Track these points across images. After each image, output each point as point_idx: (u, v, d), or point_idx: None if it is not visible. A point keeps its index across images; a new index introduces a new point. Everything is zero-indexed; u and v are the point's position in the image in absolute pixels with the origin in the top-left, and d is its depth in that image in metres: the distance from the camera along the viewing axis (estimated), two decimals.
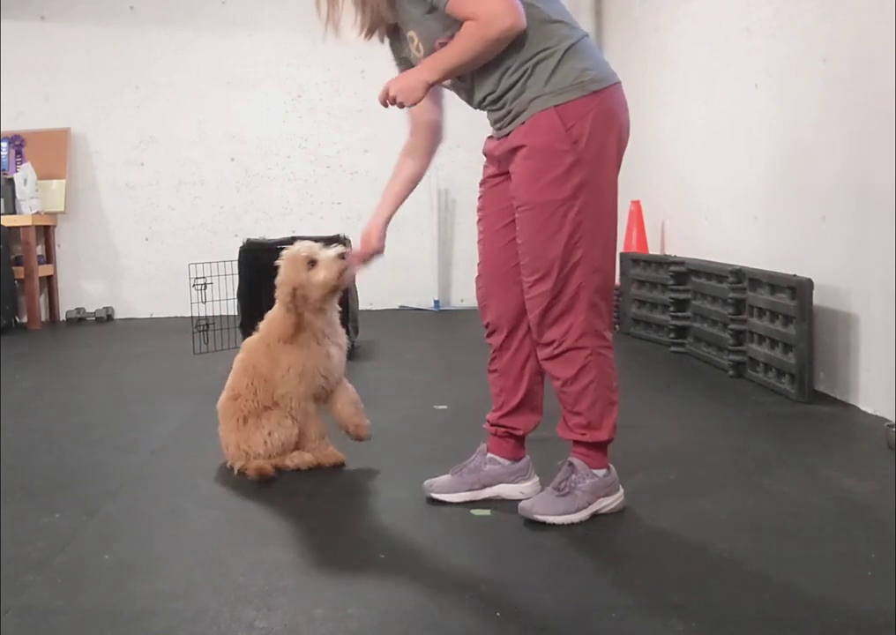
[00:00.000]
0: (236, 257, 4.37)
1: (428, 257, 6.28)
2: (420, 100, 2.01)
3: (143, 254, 6.38)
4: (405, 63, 2.18)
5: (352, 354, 4.35)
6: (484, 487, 2.23)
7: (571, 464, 2.11)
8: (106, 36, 6.25)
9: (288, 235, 4.81)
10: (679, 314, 4.20)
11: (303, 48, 6.31)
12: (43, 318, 6.20)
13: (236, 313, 4.39)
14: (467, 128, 6.91)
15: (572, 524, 2.05)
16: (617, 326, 4.92)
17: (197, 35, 6.28)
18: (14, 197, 5.96)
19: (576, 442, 2.13)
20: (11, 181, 5.95)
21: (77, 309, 6.32)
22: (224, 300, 4.42)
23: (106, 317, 6.30)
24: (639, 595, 1.68)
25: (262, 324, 2.67)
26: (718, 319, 3.82)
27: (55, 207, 6.19)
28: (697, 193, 4.51)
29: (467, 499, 2.21)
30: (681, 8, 4.67)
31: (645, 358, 4.17)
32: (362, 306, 4.67)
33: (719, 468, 2.45)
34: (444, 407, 3.27)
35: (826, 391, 3.22)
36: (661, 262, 4.48)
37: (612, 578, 1.77)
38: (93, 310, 6.32)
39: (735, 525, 2.03)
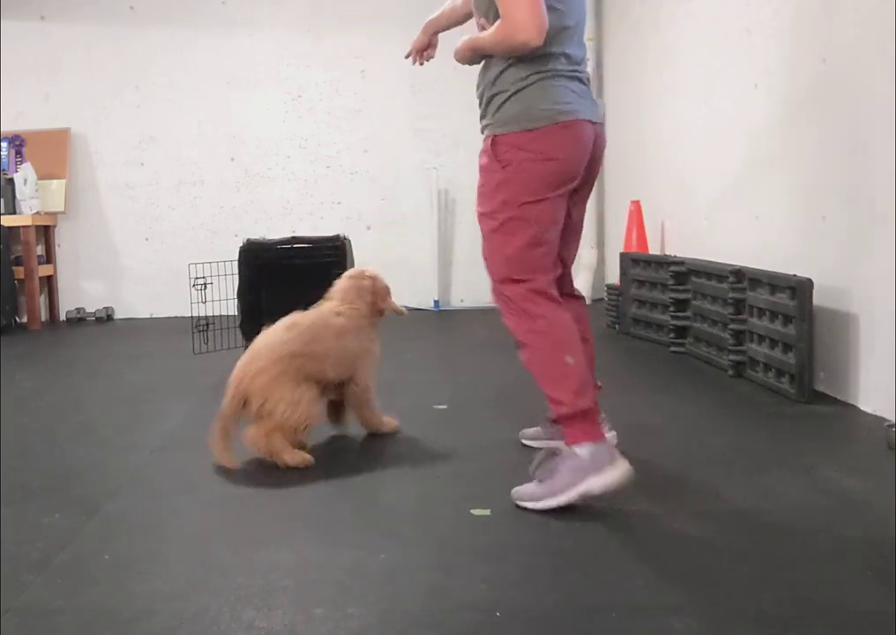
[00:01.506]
0: (236, 257, 4.37)
1: (428, 257, 6.28)
2: (466, 63, 2.44)
3: (143, 254, 6.39)
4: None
5: None
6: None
7: (555, 448, 2.17)
8: (106, 36, 6.26)
9: (288, 235, 4.82)
10: (679, 314, 4.20)
11: (303, 48, 6.32)
12: (43, 318, 6.21)
13: (236, 313, 4.39)
14: (468, 127, 6.93)
15: (559, 507, 2.10)
16: (617, 326, 4.92)
17: (197, 35, 6.29)
18: (14, 197, 5.97)
19: (552, 421, 2.18)
20: (11, 181, 5.96)
21: (77, 309, 6.32)
22: (224, 300, 4.43)
23: (106, 317, 6.30)
24: (639, 595, 1.68)
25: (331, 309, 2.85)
26: (718, 319, 3.82)
27: (55, 207, 6.19)
28: (697, 193, 4.51)
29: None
30: (681, 8, 4.67)
31: (645, 358, 4.17)
32: None
33: (719, 468, 2.45)
34: (444, 406, 3.27)
35: (826, 391, 3.22)
36: (661, 262, 4.48)
37: (612, 578, 1.77)
38: (93, 310, 6.33)
39: (735, 525, 2.03)
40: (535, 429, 2.65)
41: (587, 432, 2.14)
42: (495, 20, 2.23)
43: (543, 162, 2.26)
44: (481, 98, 2.41)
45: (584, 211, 2.51)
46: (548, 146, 2.25)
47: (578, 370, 2.20)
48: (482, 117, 2.41)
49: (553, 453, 2.13)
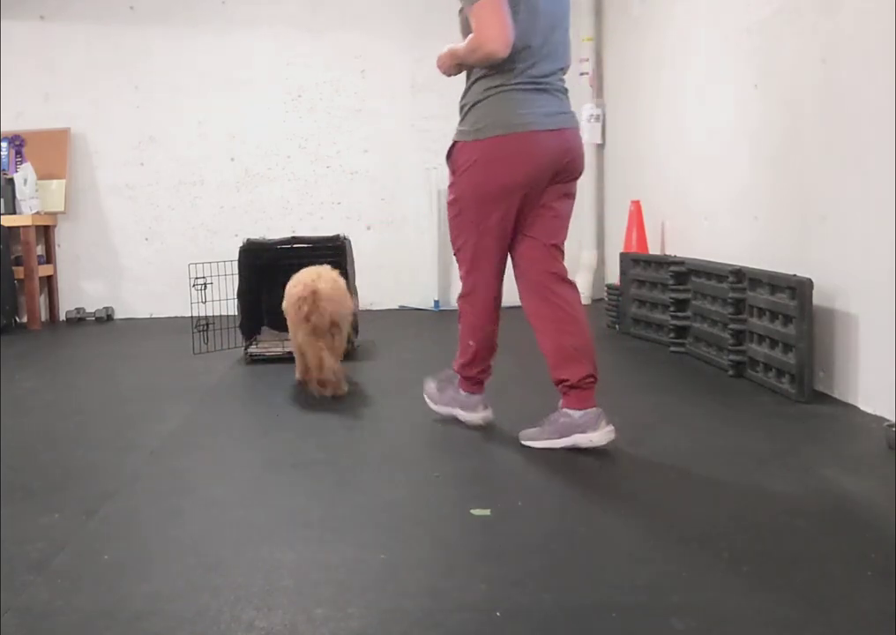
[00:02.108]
0: (236, 257, 4.37)
1: (428, 257, 6.28)
2: (446, 73, 2.76)
3: (143, 254, 6.39)
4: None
5: (352, 353, 4.36)
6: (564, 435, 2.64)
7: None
8: (106, 36, 6.26)
9: (288, 235, 4.82)
10: (679, 314, 4.20)
11: (303, 47, 6.32)
12: (43, 318, 6.21)
13: (236, 313, 4.39)
14: None
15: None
16: (617, 326, 4.92)
17: (197, 35, 6.29)
18: (14, 197, 5.97)
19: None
20: (11, 181, 5.96)
21: (77, 309, 6.32)
22: (224, 300, 4.42)
23: (106, 317, 6.30)
24: (639, 595, 1.68)
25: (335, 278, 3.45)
26: (718, 319, 3.82)
27: (55, 207, 6.19)
28: (696, 193, 4.51)
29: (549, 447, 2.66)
30: (680, 8, 4.67)
31: (645, 358, 4.17)
32: (362, 306, 4.67)
33: (719, 468, 2.45)
34: None
35: (826, 390, 3.22)
36: (661, 262, 4.48)
37: (612, 578, 1.77)
38: (93, 310, 6.33)
39: (734, 525, 2.03)
40: (535, 429, 2.69)
41: (469, 387, 2.92)
42: (462, 31, 2.60)
43: (487, 170, 2.59)
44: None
45: (570, 204, 2.77)
46: (493, 155, 2.57)
47: (475, 353, 2.84)
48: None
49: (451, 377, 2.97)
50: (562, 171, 2.65)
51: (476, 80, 2.61)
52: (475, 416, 2.93)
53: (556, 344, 2.64)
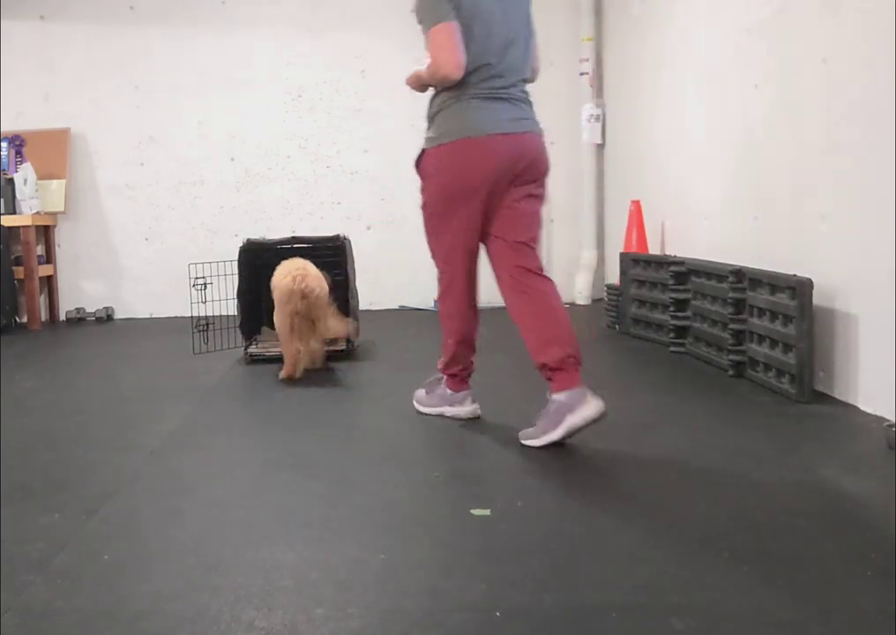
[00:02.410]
0: (236, 257, 4.37)
1: (428, 258, 6.25)
2: (415, 90, 3.00)
3: (143, 254, 6.39)
4: None
5: (351, 353, 4.36)
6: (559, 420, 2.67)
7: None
8: (106, 36, 6.26)
9: (288, 235, 4.82)
10: (679, 314, 4.20)
11: (303, 47, 6.32)
12: (43, 318, 6.21)
13: (236, 313, 4.39)
14: None
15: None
16: (617, 326, 4.93)
17: (197, 35, 6.29)
18: (14, 197, 5.97)
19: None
20: (11, 181, 5.96)
21: (77, 309, 6.32)
22: (224, 300, 4.42)
23: (106, 317, 6.31)
24: (639, 595, 1.68)
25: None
26: (718, 319, 3.82)
27: (55, 207, 6.20)
28: (696, 193, 4.51)
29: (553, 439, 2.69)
30: (680, 8, 4.67)
31: (645, 358, 4.17)
32: (362, 306, 4.67)
33: (719, 468, 2.45)
34: None
35: (826, 390, 3.22)
36: (661, 262, 4.48)
37: (612, 578, 1.76)
38: (93, 310, 6.33)
39: (734, 525, 2.03)
40: (532, 428, 2.71)
41: (454, 385, 3.04)
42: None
43: (450, 172, 2.80)
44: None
45: (536, 203, 2.89)
46: (454, 158, 2.79)
47: (455, 349, 2.99)
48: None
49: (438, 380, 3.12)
50: (522, 173, 2.79)
51: (439, 92, 2.85)
52: (463, 410, 3.04)
53: (533, 332, 2.74)
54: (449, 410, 3.06)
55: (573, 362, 2.68)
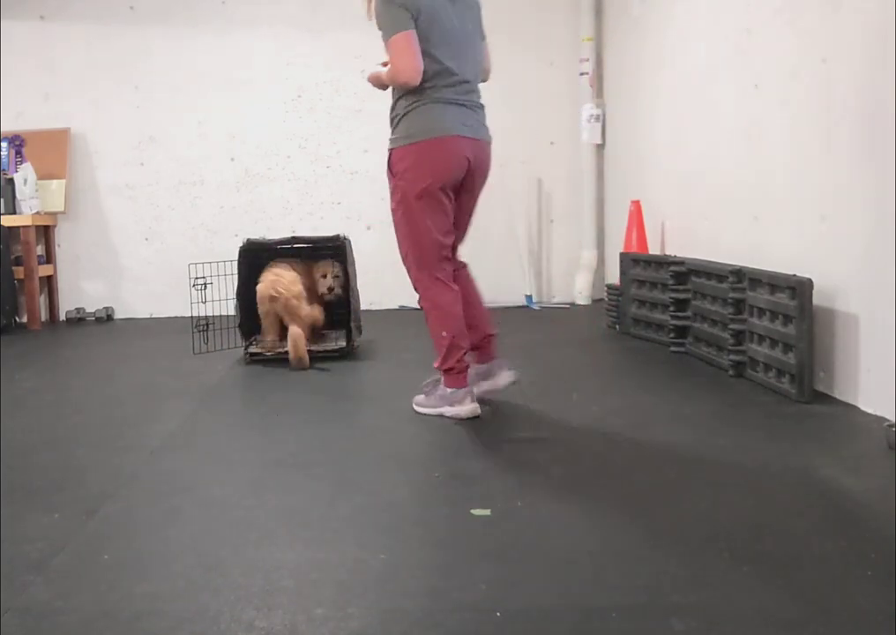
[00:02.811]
0: (236, 257, 4.37)
1: None
2: (378, 88, 3.18)
3: (143, 254, 6.39)
4: None
5: (351, 353, 4.36)
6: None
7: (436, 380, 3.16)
8: (106, 36, 6.25)
9: (288, 235, 4.82)
10: (679, 314, 4.20)
11: (303, 47, 6.32)
12: (43, 318, 6.20)
13: (236, 313, 4.39)
14: None
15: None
16: (617, 326, 4.92)
17: (197, 35, 6.28)
18: (14, 197, 5.96)
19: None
20: (11, 181, 5.95)
21: (77, 309, 6.32)
22: (224, 300, 4.42)
23: (106, 317, 6.30)
24: (639, 595, 1.68)
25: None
26: (718, 319, 3.82)
27: (55, 207, 6.19)
28: (696, 193, 4.51)
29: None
30: (680, 8, 4.67)
31: (645, 358, 4.17)
32: (362, 306, 4.67)
33: (719, 468, 2.45)
34: None
35: (826, 390, 3.22)
36: (661, 262, 4.48)
37: (612, 578, 1.77)
38: (93, 310, 6.32)
39: (734, 524, 2.03)
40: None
41: (453, 382, 3.06)
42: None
43: (419, 168, 2.97)
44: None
45: (471, 209, 3.21)
46: (421, 156, 2.96)
47: (450, 341, 3.04)
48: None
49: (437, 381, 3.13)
50: (476, 175, 3.09)
51: (402, 96, 3.02)
52: (463, 409, 3.05)
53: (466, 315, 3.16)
54: (449, 410, 3.06)
55: (488, 340, 3.22)
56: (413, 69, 2.91)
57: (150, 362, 4.50)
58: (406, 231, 3.08)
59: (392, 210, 3.10)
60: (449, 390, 3.06)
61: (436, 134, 2.96)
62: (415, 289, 3.15)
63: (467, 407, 3.05)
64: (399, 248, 3.14)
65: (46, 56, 6.24)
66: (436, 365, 3.10)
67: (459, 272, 3.23)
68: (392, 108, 3.07)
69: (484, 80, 3.17)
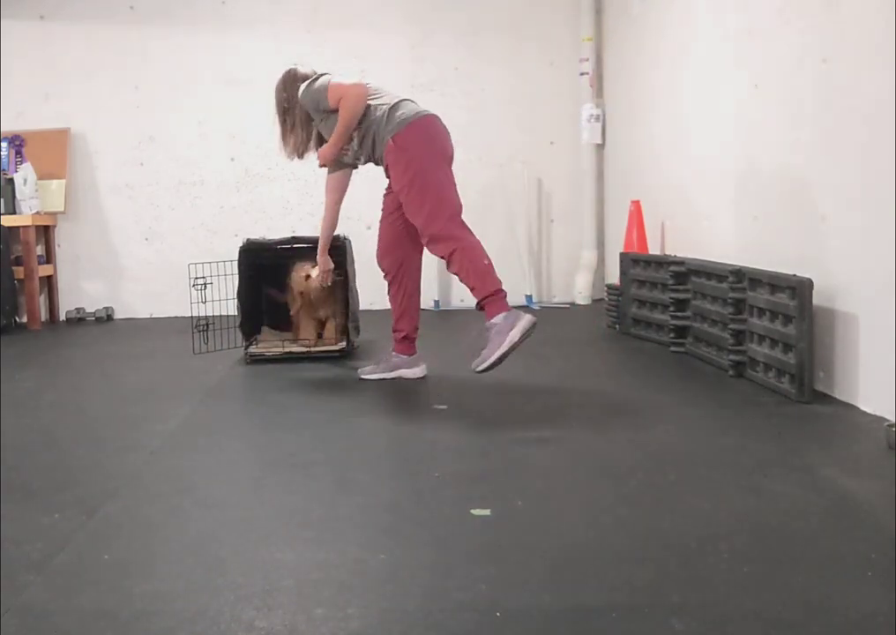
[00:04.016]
0: (236, 257, 4.37)
1: (427, 258, 6.25)
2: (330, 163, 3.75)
3: (143, 254, 6.38)
4: (321, 139, 3.74)
5: (351, 353, 4.36)
6: (393, 370, 3.71)
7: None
8: (106, 36, 6.25)
9: (288, 235, 4.82)
10: (679, 314, 4.20)
11: (303, 48, 6.31)
12: (43, 318, 6.20)
13: (236, 313, 4.39)
14: (468, 128, 6.92)
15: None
16: (617, 326, 4.92)
17: (197, 35, 6.28)
18: (14, 197, 5.96)
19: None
20: (11, 181, 5.95)
21: (77, 309, 6.32)
22: (224, 300, 4.42)
23: (106, 317, 6.30)
24: (639, 595, 1.68)
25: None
26: (718, 319, 3.82)
27: (55, 207, 6.19)
28: (696, 193, 4.51)
29: (381, 378, 3.70)
30: (680, 8, 4.67)
31: (645, 358, 4.17)
32: (362, 306, 4.67)
33: (719, 468, 2.45)
34: (444, 406, 3.26)
35: (826, 390, 3.22)
36: (661, 262, 4.48)
37: (612, 578, 1.77)
38: (93, 310, 6.32)
39: (735, 525, 2.03)
40: (373, 365, 3.76)
41: (501, 306, 3.25)
42: (329, 135, 3.59)
43: (426, 139, 3.41)
44: (365, 145, 3.55)
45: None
46: (424, 130, 3.42)
47: (491, 266, 3.33)
48: (372, 153, 3.55)
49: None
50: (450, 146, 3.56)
51: (361, 121, 3.48)
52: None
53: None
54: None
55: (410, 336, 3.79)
56: (359, 89, 3.49)
57: (150, 362, 4.50)
58: (430, 195, 3.35)
59: (408, 185, 3.37)
60: (502, 315, 3.18)
61: (423, 113, 3.42)
62: (439, 246, 3.36)
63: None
64: (416, 214, 3.39)
65: (46, 56, 6.24)
66: (486, 293, 3.23)
67: (415, 257, 3.79)
68: (362, 138, 3.52)
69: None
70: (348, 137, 3.54)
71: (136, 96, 6.29)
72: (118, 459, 2.70)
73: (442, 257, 3.38)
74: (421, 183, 3.35)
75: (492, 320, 3.19)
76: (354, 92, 3.47)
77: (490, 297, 3.21)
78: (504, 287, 3.27)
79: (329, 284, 4.22)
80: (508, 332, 3.13)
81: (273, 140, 6.36)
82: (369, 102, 3.48)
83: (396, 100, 3.47)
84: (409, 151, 3.37)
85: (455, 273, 3.35)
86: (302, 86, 3.75)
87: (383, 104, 3.47)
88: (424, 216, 3.35)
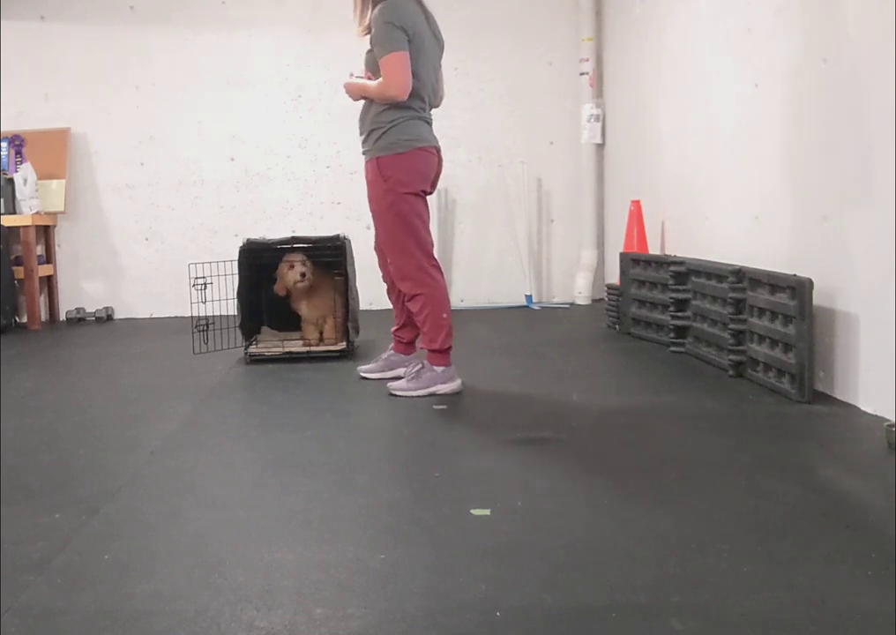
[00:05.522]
0: (236, 257, 4.37)
1: None
2: (353, 100, 3.52)
3: (143, 254, 6.39)
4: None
5: (351, 353, 4.36)
6: (392, 369, 3.74)
7: (422, 363, 3.49)
8: (106, 36, 6.26)
9: (288, 235, 4.82)
10: (679, 314, 4.20)
11: (303, 48, 6.32)
12: (43, 318, 6.21)
13: (236, 313, 4.39)
14: (467, 127, 6.92)
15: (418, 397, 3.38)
16: (617, 326, 4.92)
17: (197, 35, 6.29)
18: (14, 197, 5.96)
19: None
20: (11, 181, 5.96)
21: (77, 309, 6.32)
22: (224, 300, 4.42)
23: (106, 317, 6.31)
24: (639, 595, 1.68)
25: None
26: (718, 319, 3.82)
27: (55, 207, 6.19)
28: (697, 193, 4.51)
29: (381, 378, 3.72)
30: (680, 8, 4.67)
31: (645, 358, 4.17)
32: (362, 306, 4.67)
33: (719, 468, 2.45)
34: (444, 407, 3.27)
35: (826, 390, 3.22)
36: (661, 262, 4.48)
37: (612, 578, 1.77)
38: (93, 310, 6.33)
39: (735, 525, 2.03)
40: (373, 364, 3.79)
41: (444, 359, 3.43)
42: (376, 75, 3.33)
43: (409, 174, 3.37)
44: (363, 130, 3.46)
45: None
46: (411, 164, 3.37)
47: (448, 322, 3.43)
48: (364, 144, 3.46)
49: (422, 366, 3.47)
50: (437, 176, 3.55)
51: (384, 110, 3.35)
52: (455, 384, 3.53)
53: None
54: (441, 387, 3.44)
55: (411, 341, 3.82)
56: (405, 86, 3.27)
57: (150, 362, 4.50)
58: (402, 230, 3.40)
59: (381, 212, 3.42)
60: (441, 368, 3.41)
61: (422, 144, 3.39)
62: (405, 283, 3.44)
63: (457, 383, 3.46)
64: (388, 246, 3.47)
65: (46, 56, 6.25)
66: (434, 346, 3.41)
67: None
68: (371, 120, 3.40)
69: (437, 105, 3.57)
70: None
71: (136, 96, 6.29)
72: (118, 459, 2.70)
73: (406, 293, 3.48)
74: (396, 212, 3.38)
75: (432, 365, 3.43)
76: (397, 83, 3.26)
77: (438, 352, 3.42)
78: (451, 345, 3.44)
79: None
80: (438, 383, 3.41)
81: (273, 140, 6.43)
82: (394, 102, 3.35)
83: (413, 117, 3.38)
84: (391, 179, 3.37)
85: (413, 312, 3.48)
86: (380, 7, 3.30)
87: (402, 117, 3.36)
88: (398, 252, 3.44)
